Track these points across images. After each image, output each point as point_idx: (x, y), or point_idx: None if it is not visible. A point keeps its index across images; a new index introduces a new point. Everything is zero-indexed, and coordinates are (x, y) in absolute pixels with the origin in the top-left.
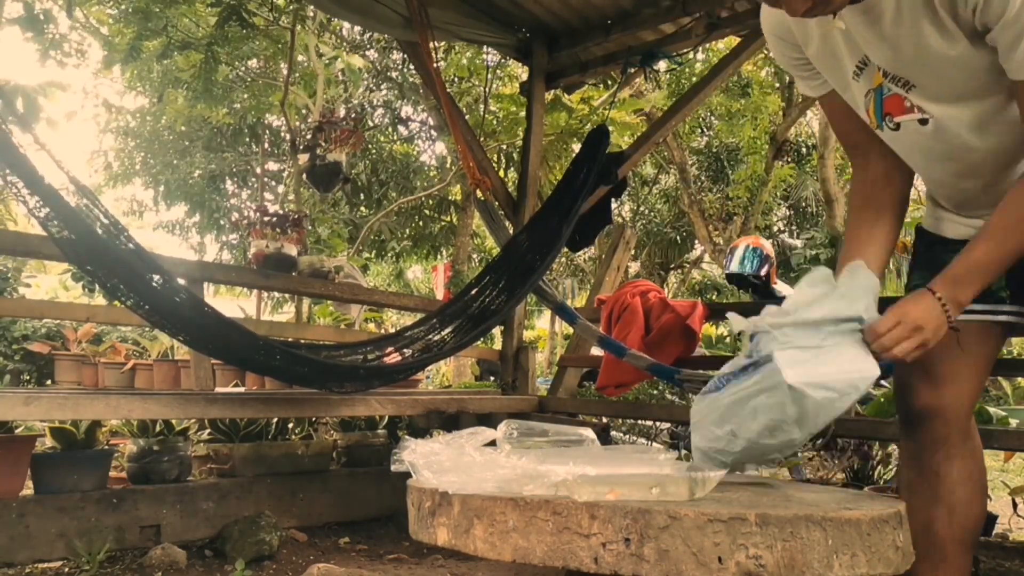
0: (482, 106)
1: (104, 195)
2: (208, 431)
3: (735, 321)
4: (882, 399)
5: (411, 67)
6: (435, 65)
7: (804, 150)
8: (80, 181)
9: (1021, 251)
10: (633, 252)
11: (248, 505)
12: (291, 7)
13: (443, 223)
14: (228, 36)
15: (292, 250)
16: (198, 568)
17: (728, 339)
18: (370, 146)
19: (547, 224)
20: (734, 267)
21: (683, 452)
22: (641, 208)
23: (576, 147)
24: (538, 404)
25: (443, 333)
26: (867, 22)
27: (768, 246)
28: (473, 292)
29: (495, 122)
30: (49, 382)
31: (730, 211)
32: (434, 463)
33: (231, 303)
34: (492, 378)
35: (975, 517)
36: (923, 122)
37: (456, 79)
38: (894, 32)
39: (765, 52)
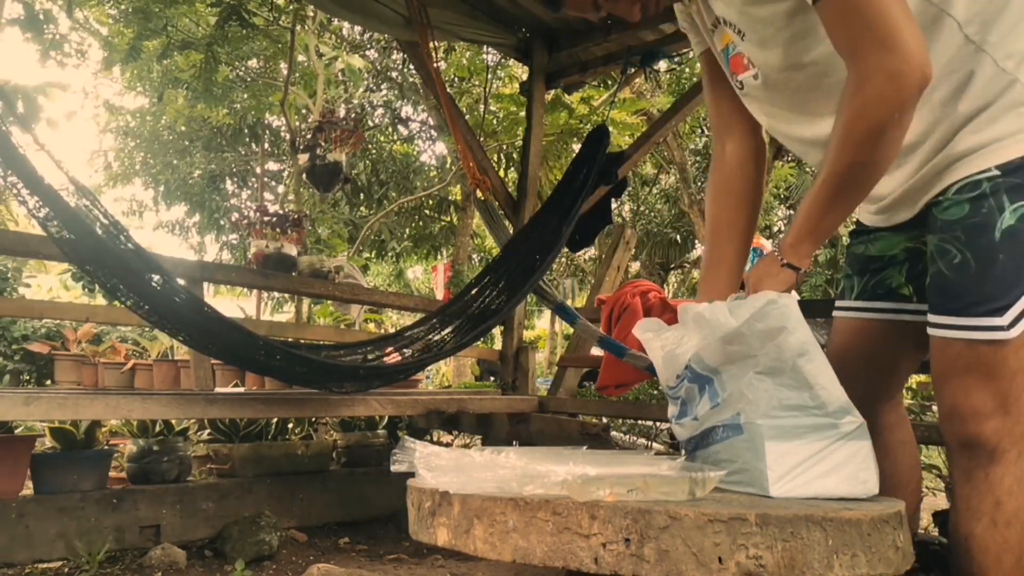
0: (482, 106)
1: (104, 195)
2: (208, 431)
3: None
4: None
5: (411, 67)
6: (435, 65)
7: None
8: (80, 181)
9: (837, 191)
10: (633, 252)
11: (248, 505)
12: (291, 7)
13: (443, 223)
14: (228, 36)
15: (292, 250)
16: (198, 568)
17: None
18: (370, 146)
19: (547, 224)
20: None
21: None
22: (641, 208)
23: (576, 147)
24: (538, 404)
25: (443, 333)
26: None
27: (768, 246)
28: (473, 292)
29: (495, 122)
30: (49, 382)
31: None
32: (434, 464)
33: (231, 303)
34: (492, 378)
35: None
36: (755, 77)
37: (456, 79)
38: None
39: None
